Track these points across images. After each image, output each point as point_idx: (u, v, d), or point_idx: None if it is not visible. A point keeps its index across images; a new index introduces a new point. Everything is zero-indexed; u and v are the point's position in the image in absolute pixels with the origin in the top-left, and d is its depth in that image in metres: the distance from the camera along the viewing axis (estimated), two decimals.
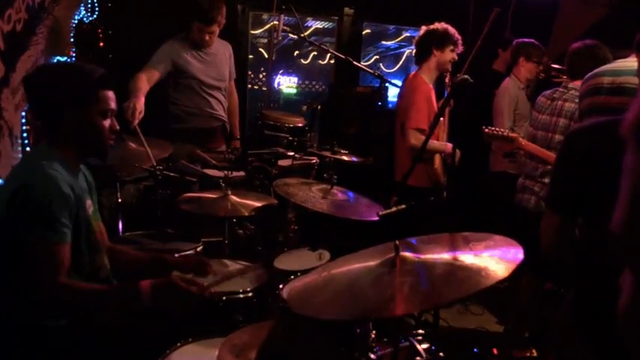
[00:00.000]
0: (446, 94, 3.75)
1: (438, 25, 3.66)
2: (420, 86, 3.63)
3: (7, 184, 1.89)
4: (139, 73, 3.50)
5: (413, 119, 3.51)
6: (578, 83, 3.24)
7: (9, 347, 1.85)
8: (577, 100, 3.19)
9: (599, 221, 1.60)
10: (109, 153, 2.09)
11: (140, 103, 3.14)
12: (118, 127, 2.07)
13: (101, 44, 4.17)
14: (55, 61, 3.31)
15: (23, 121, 2.87)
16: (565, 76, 3.93)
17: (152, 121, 3.12)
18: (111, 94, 2.01)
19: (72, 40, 3.64)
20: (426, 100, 3.59)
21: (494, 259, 1.33)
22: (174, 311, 2.03)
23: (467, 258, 1.37)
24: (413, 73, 3.84)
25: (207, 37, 3.79)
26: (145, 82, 3.44)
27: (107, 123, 2.01)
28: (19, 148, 2.86)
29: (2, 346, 1.85)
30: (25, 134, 2.90)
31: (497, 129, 3.25)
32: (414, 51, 3.81)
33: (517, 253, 1.34)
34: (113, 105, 2.02)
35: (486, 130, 3.24)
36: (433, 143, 3.53)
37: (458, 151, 3.56)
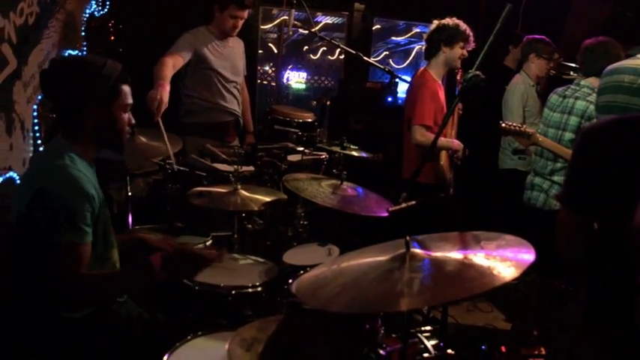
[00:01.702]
0: (457, 92, 3.73)
1: (449, 21, 3.62)
2: (427, 82, 3.60)
3: (28, 183, 1.89)
4: (165, 58, 3.50)
5: (418, 116, 3.50)
6: (590, 80, 3.22)
7: (27, 337, 1.87)
8: (589, 98, 3.17)
9: (616, 219, 1.60)
10: (123, 147, 2.09)
11: (166, 94, 3.15)
12: (134, 121, 2.09)
13: (112, 38, 4.19)
14: (68, 54, 3.32)
15: (35, 114, 2.89)
16: (576, 74, 3.91)
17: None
18: (128, 88, 2.02)
19: (83, 33, 3.65)
20: (433, 96, 3.56)
21: (505, 259, 1.32)
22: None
23: (477, 257, 1.37)
24: (421, 69, 3.81)
25: (238, 24, 3.86)
26: (170, 68, 3.45)
27: (127, 117, 2.04)
28: (31, 141, 2.88)
29: (21, 336, 1.88)
30: (36, 127, 2.92)
31: (514, 124, 3.22)
32: (424, 46, 3.79)
33: (528, 254, 1.33)
34: (131, 99, 2.04)
35: (503, 124, 3.20)
36: (440, 140, 3.51)
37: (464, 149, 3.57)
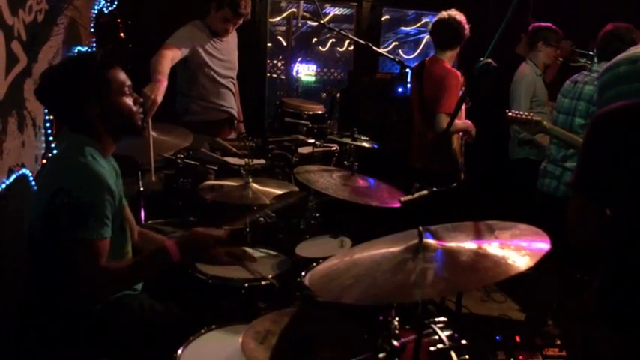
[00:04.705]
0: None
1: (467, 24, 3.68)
2: (452, 72, 3.62)
3: (51, 181, 1.89)
4: (165, 51, 3.41)
5: (445, 104, 3.50)
6: (603, 65, 3.18)
7: (43, 331, 1.90)
8: (597, 83, 3.14)
9: (629, 205, 1.58)
10: (141, 128, 2.09)
11: (162, 92, 3.09)
12: (141, 99, 2.08)
13: (121, 34, 4.18)
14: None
15: (46, 110, 2.90)
16: (585, 60, 3.89)
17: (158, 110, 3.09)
18: (119, 70, 1.99)
19: (92, 30, 3.65)
20: (458, 86, 3.57)
21: (520, 248, 1.31)
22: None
23: (492, 246, 1.36)
24: (434, 58, 3.77)
25: (230, 28, 3.78)
26: (169, 63, 3.36)
27: (129, 99, 2.01)
28: (43, 138, 2.90)
29: (37, 329, 1.91)
30: (48, 124, 2.93)
31: (520, 112, 3.18)
32: (443, 33, 3.73)
33: (543, 243, 1.32)
34: (127, 80, 2.01)
35: (510, 113, 3.16)
36: (457, 123, 3.53)
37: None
